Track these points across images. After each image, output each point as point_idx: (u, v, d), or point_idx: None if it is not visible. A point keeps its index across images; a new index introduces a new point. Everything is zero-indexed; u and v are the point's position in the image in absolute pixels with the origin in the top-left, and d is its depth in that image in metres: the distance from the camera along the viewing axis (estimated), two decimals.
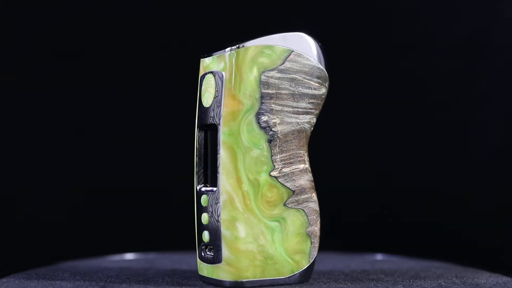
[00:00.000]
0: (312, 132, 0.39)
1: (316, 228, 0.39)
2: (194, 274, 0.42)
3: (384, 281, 0.40)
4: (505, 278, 0.42)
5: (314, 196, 0.39)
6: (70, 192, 0.59)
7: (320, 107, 0.39)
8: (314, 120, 0.39)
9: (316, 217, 0.39)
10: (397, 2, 0.60)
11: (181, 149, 0.56)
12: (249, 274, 0.37)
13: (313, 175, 0.39)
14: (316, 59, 0.39)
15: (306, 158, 0.39)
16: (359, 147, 0.60)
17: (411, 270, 0.45)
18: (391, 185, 0.60)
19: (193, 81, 0.41)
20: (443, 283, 0.39)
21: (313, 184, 0.39)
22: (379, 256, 0.52)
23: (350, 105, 0.59)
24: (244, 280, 0.37)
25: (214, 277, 0.38)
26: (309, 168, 0.39)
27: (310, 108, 0.39)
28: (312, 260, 0.39)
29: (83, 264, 0.47)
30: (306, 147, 0.39)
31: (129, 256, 0.52)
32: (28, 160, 0.59)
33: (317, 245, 0.39)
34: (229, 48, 0.38)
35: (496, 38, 0.59)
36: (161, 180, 0.60)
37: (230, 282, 0.37)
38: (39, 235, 0.58)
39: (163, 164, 0.60)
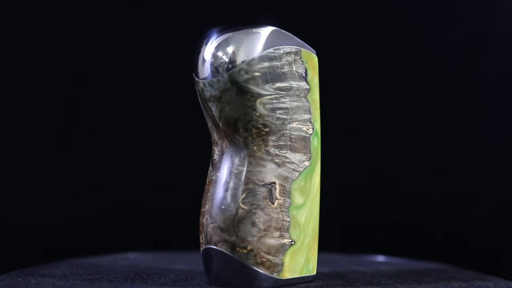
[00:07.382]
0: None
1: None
2: (193, 274, 0.42)
3: (384, 284, 0.40)
4: (507, 282, 0.41)
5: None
6: (72, 191, 0.60)
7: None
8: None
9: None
10: (397, 2, 0.60)
11: (181, 150, 0.57)
12: None
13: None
14: None
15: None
16: (359, 147, 0.61)
17: (411, 272, 0.45)
18: (391, 185, 0.60)
19: None
20: (444, 286, 0.39)
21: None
22: (380, 258, 0.53)
23: (348, 105, 0.60)
24: None
25: None
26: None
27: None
28: None
29: (84, 262, 0.47)
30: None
31: (132, 255, 0.52)
32: (29, 159, 0.59)
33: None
34: None
35: (497, 36, 0.59)
36: (161, 181, 0.60)
37: None
38: (40, 234, 0.58)
39: (164, 164, 0.60)
